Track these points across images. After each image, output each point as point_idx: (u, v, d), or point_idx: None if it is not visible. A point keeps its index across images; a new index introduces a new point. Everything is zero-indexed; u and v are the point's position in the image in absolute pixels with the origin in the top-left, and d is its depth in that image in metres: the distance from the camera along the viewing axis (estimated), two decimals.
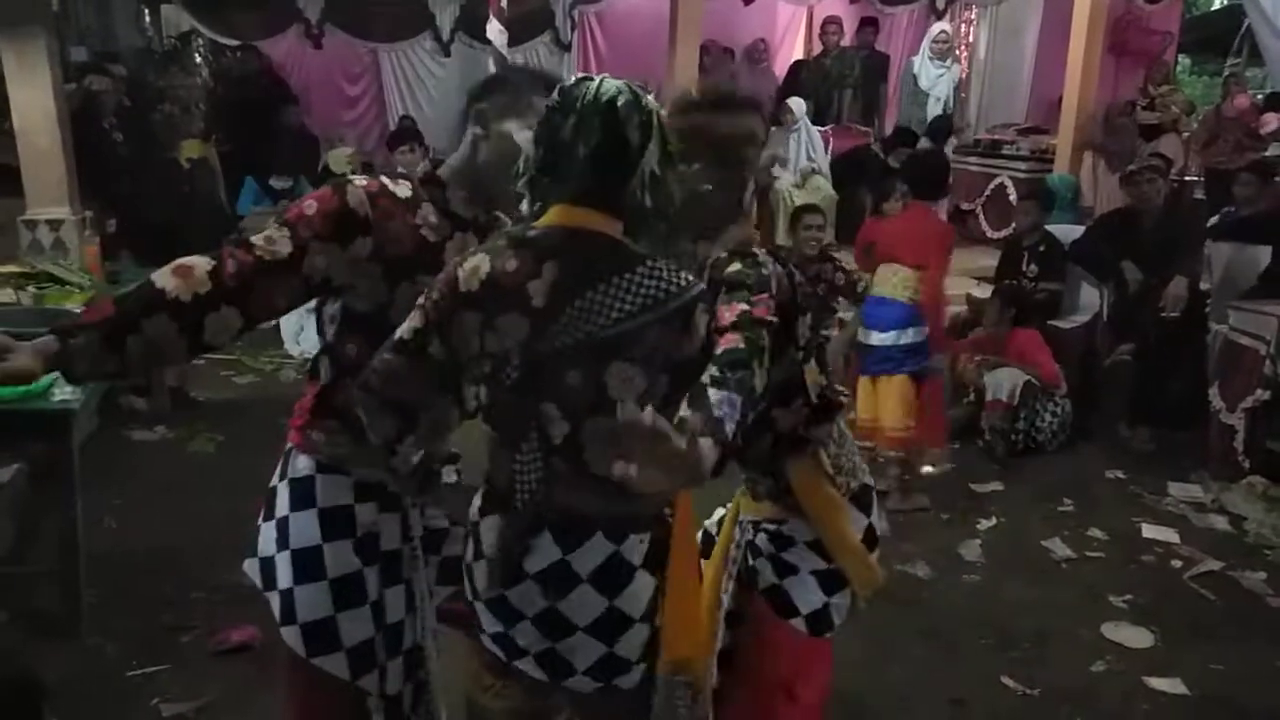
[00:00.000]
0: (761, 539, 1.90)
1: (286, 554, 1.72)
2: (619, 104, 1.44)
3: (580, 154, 1.45)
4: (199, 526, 3.35)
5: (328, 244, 1.58)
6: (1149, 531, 3.85)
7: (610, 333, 1.44)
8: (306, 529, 1.72)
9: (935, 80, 7.97)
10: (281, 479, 1.77)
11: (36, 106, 4.98)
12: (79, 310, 3.50)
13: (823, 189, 6.77)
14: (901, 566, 3.45)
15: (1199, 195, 7.35)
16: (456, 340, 1.49)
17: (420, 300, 1.52)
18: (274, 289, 1.57)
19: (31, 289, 3.89)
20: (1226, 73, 9.50)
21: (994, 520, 3.91)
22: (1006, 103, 9.06)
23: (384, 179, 1.68)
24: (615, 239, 1.49)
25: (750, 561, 1.90)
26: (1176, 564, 3.59)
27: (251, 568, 1.79)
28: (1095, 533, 3.81)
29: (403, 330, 1.52)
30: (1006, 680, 2.83)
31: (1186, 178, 7.53)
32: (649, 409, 1.19)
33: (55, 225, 5.10)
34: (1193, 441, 4.53)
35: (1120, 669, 2.92)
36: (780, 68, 9.07)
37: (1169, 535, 3.81)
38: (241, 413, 4.73)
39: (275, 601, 1.73)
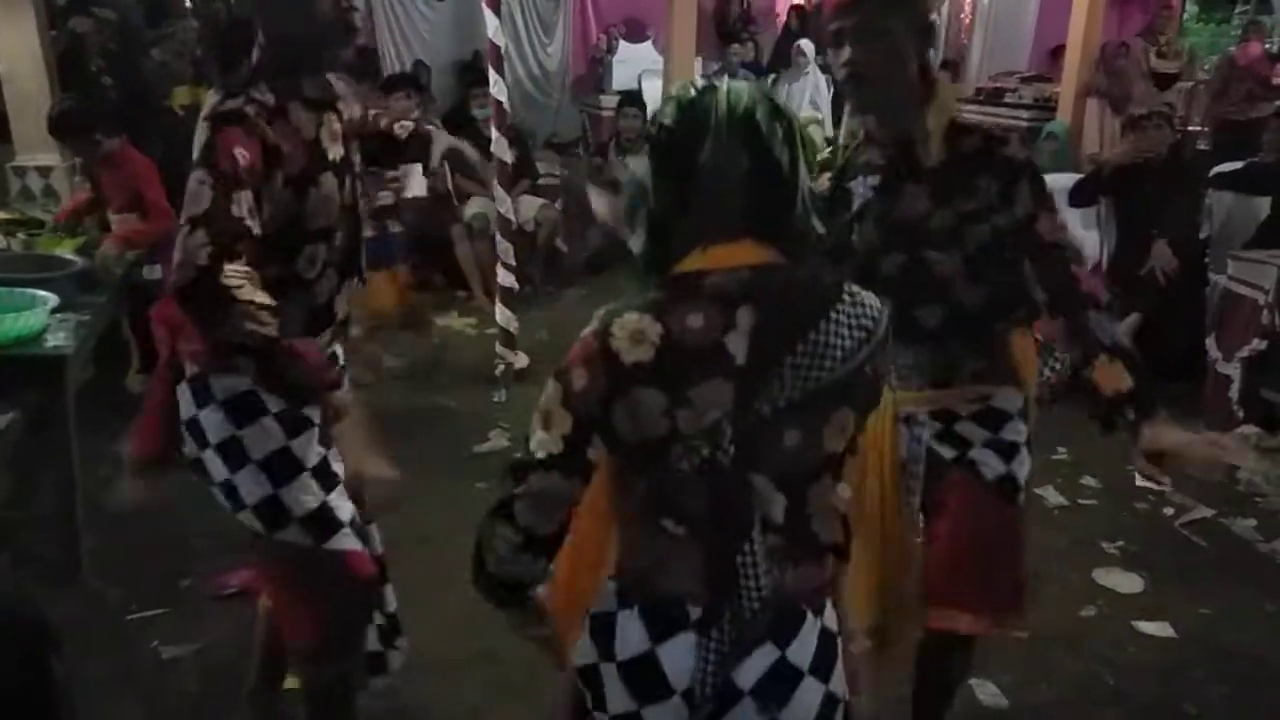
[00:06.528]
0: (966, 427, 1.87)
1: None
2: (758, 116, 1.22)
3: (728, 184, 1.22)
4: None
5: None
6: (1142, 480, 3.85)
7: (837, 376, 1.23)
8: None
9: None
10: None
11: (22, 50, 4.91)
12: (70, 257, 3.48)
13: (813, 140, 6.73)
14: None
15: (1202, 147, 7.28)
16: (625, 430, 1.21)
17: (552, 397, 1.23)
18: None
19: (21, 235, 3.87)
20: (1248, 19, 9.34)
21: None
22: (1009, 51, 8.95)
23: None
24: (803, 271, 1.28)
25: (964, 454, 1.87)
26: (1168, 511, 3.62)
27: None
28: (1088, 481, 3.83)
29: (539, 443, 1.22)
30: None
31: (1190, 128, 7.45)
32: None
33: (45, 172, 5.06)
34: (1187, 392, 4.53)
35: (1110, 613, 2.96)
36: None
37: (1161, 483, 3.82)
38: None
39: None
